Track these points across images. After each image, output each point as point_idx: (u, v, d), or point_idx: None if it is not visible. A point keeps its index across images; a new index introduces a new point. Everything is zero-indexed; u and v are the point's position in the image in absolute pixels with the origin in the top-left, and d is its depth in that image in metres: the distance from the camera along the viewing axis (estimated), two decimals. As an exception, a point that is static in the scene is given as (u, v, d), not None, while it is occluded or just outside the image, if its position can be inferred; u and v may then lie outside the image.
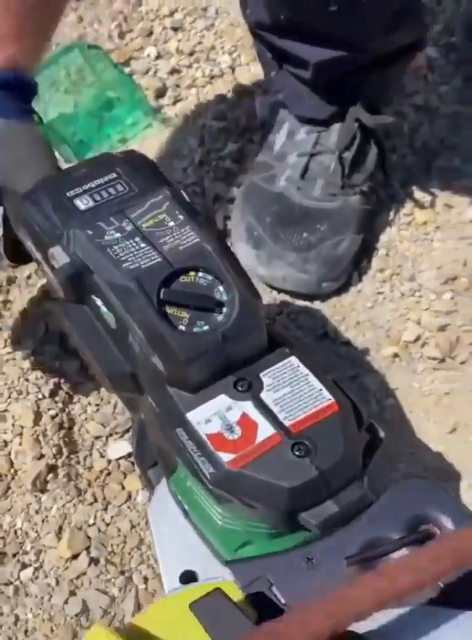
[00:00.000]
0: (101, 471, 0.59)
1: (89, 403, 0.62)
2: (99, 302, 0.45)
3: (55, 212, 0.46)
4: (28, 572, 0.55)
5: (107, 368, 0.46)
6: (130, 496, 0.58)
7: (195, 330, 0.42)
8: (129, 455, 0.59)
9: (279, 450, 0.40)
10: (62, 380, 0.63)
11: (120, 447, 0.60)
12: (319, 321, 0.68)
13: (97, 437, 0.61)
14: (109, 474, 0.59)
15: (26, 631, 0.53)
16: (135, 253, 0.44)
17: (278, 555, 0.39)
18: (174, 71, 0.84)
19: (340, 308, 0.68)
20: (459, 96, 0.82)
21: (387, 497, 0.40)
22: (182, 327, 0.42)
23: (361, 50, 0.65)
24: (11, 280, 0.68)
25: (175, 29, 0.86)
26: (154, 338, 0.42)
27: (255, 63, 0.80)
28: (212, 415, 0.41)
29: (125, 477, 0.59)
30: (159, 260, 0.44)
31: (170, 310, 0.42)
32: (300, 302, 0.69)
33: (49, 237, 0.46)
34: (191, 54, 0.85)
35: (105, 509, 0.57)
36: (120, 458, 0.60)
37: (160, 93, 0.82)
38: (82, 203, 0.47)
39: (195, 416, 0.41)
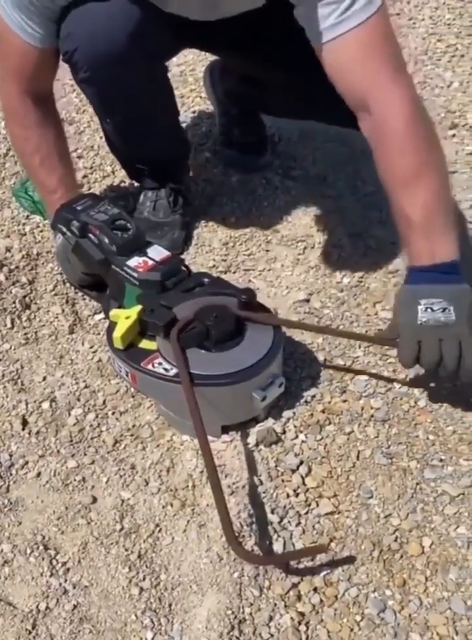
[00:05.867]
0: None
1: (94, 305, 1.50)
2: (92, 236, 1.35)
3: (74, 214, 1.37)
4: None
5: (96, 256, 1.35)
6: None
7: (125, 235, 1.34)
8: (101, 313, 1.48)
9: (152, 267, 1.31)
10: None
11: (101, 316, 1.49)
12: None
13: (95, 313, 1.50)
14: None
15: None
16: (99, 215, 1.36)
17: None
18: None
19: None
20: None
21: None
22: (121, 233, 1.34)
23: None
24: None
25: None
26: (109, 238, 1.33)
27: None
28: (133, 261, 1.32)
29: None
30: (107, 217, 1.35)
31: (114, 231, 1.34)
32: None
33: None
34: (91, 167, 1.82)
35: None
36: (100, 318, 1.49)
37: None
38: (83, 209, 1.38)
39: (129, 262, 1.32)
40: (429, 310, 1.13)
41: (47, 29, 1.35)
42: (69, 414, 1.31)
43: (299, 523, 1.14)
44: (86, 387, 1.36)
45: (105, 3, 1.29)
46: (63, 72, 1.46)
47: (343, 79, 1.21)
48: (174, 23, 1.32)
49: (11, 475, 1.23)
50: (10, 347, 1.43)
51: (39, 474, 1.23)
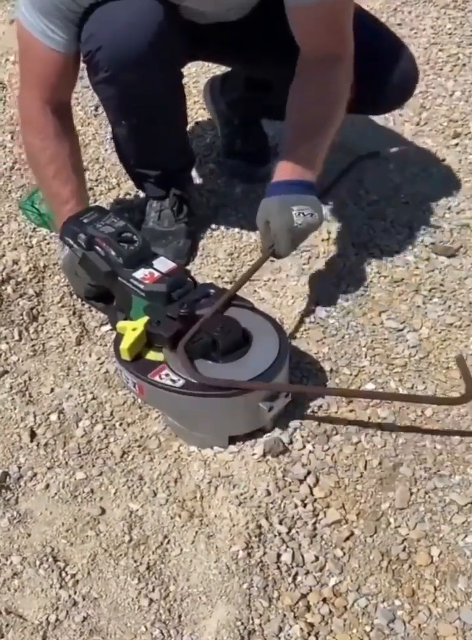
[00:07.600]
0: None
1: (100, 316, 1.51)
2: (98, 248, 1.37)
3: (80, 227, 1.38)
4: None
5: (102, 268, 1.36)
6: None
7: (131, 248, 1.35)
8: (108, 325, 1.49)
9: (159, 279, 1.32)
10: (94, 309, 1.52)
11: (107, 327, 1.50)
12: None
13: (102, 325, 1.51)
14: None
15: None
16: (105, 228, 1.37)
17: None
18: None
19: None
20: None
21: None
22: (127, 245, 1.35)
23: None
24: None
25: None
26: (115, 251, 1.34)
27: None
28: (140, 273, 1.33)
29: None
30: (113, 230, 1.36)
31: (120, 243, 1.35)
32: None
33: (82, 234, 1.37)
34: (96, 179, 1.83)
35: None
36: (107, 329, 1.50)
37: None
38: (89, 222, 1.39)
39: (135, 274, 1.33)
40: (301, 214, 1.33)
41: (70, 33, 1.37)
42: (77, 426, 1.32)
43: (307, 533, 1.14)
44: (93, 398, 1.36)
45: (127, 4, 1.33)
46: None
47: (302, 38, 1.38)
48: (191, 28, 1.37)
49: (20, 486, 1.23)
50: (18, 359, 1.44)
51: (47, 486, 1.23)
